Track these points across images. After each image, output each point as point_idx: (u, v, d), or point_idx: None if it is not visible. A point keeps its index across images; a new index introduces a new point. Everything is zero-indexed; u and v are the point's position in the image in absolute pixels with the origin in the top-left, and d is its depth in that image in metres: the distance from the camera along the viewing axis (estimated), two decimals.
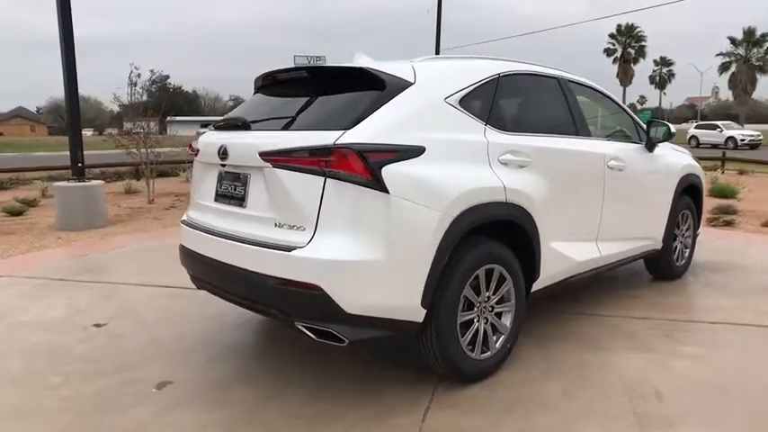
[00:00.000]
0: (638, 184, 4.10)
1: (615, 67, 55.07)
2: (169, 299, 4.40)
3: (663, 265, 4.64)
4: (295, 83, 3.10)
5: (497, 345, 3.01)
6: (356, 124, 2.53)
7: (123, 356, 3.33)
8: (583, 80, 3.95)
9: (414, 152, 2.59)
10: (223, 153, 2.86)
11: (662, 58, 60.50)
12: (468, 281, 2.79)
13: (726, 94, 54.20)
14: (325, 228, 2.47)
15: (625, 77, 54.60)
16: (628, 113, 4.28)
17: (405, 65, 2.88)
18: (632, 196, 4.05)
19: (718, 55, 49.60)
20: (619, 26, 54.25)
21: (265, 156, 2.62)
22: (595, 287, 4.48)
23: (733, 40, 48.04)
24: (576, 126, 3.61)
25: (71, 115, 7.82)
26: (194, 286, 3.38)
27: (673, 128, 4.16)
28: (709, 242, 5.96)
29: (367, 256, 2.46)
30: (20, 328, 3.79)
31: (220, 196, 2.98)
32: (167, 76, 12.38)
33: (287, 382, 2.97)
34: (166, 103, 9.58)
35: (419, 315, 2.61)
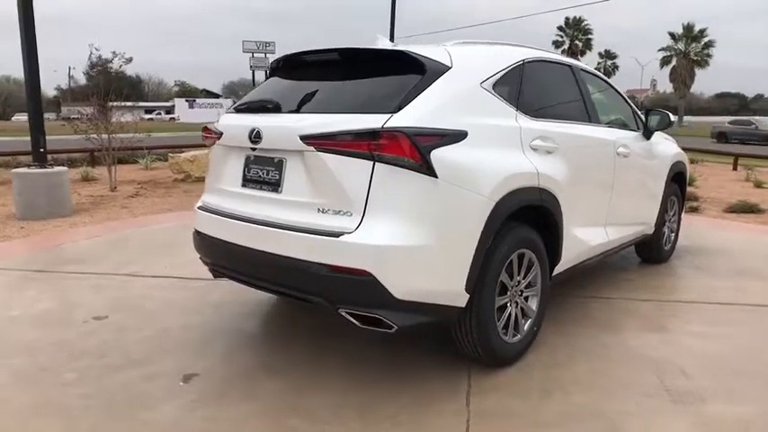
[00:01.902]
0: (639, 171, 4.23)
1: None
2: (166, 289, 4.22)
3: (654, 249, 4.82)
4: (325, 65, 3.00)
5: (525, 328, 3.06)
6: (402, 107, 2.48)
7: (135, 350, 3.17)
8: (589, 68, 4.03)
9: (458, 136, 2.57)
10: (255, 136, 2.74)
11: (606, 51, 62.48)
12: (504, 265, 2.81)
13: (663, 87, 56.65)
14: (374, 212, 2.42)
15: None
16: (626, 101, 4.40)
17: (439, 49, 2.84)
18: (634, 182, 4.18)
19: (660, 50, 51.82)
20: (567, 19, 55.73)
21: (308, 139, 2.53)
22: (591, 272, 4.60)
23: (673, 36, 50.29)
24: (588, 113, 3.68)
25: (32, 99, 7.33)
26: (206, 275, 3.25)
27: (672, 116, 4.31)
28: (682, 228, 6.23)
29: (416, 241, 2.43)
30: (12, 324, 3.55)
31: (249, 181, 2.87)
32: (131, 59, 11.50)
33: (318, 371, 2.91)
34: (111, 87, 9.03)
35: (463, 300, 2.61)
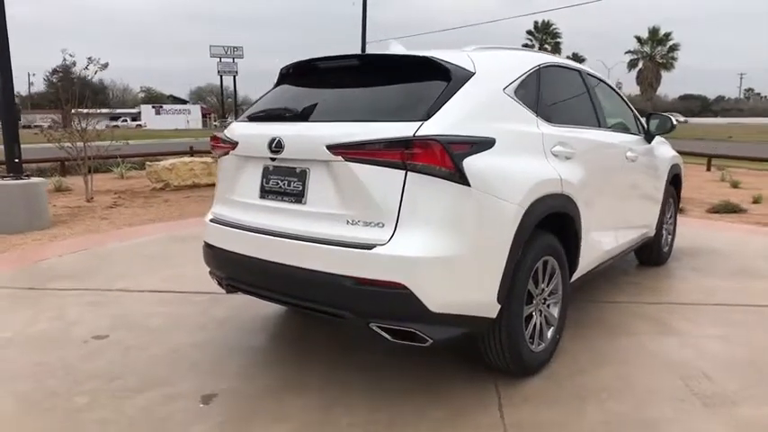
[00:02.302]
0: (644, 175, 4.27)
1: None
2: (166, 305, 4.06)
3: (654, 252, 4.87)
4: (343, 71, 2.92)
5: (549, 336, 3.03)
6: (432, 115, 2.42)
7: (145, 370, 3.03)
8: (594, 72, 4.05)
9: (487, 144, 2.53)
10: (276, 146, 2.65)
11: (574, 54, 63.77)
12: (531, 274, 2.77)
13: (629, 90, 58.04)
14: (407, 223, 2.35)
15: None
16: (628, 105, 4.44)
17: (461, 54, 2.79)
18: (640, 186, 4.22)
19: (627, 53, 53.19)
20: (536, 23, 56.76)
21: (336, 149, 2.45)
22: (594, 277, 4.61)
23: (639, 39, 51.71)
24: (598, 118, 3.69)
25: (5, 107, 7.04)
26: (207, 289, 3.12)
27: (674, 120, 4.37)
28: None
29: (450, 252, 2.37)
30: (10, 347, 3.35)
31: (268, 192, 2.77)
32: (106, 65, 11.02)
33: (339, 387, 2.82)
34: (75, 93, 8.70)
35: (495, 310, 2.56)
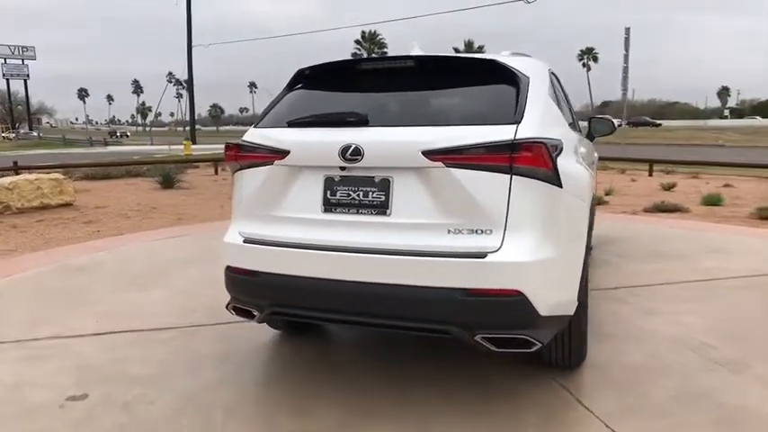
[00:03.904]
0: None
1: None
2: (132, 347, 3.42)
3: None
4: (400, 73, 2.72)
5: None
6: (521, 119, 2.40)
7: (178, 428, 2.52)
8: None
9: (561, 146, 2.58)
10: (352, 153, 2.39)
11: None
12: None
13: None
14: (514, 228, 2.30)
15: None
16: (570, 106, 4.84)
17: (511, 59, 2.80)
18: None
19: None
20: (363, 33, 58.92)
21: (434, 154, 2.30)
22: None
23: (457, 51, 56.52)
24: (573, 120, 3.98)
25: None
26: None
27: (616, 122, 4.86)
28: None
29: (553, 254, 2.38)
30: None
31: (336, 205, 2.49)
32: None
33: (397, 412, 2.64)
34: None
35: (573, 308, 2.62)
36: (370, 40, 59.15)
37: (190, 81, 39.94)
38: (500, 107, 2.47)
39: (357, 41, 59.43)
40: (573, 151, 2.90)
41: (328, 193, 2.51)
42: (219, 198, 10.52)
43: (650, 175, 14.52)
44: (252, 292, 2.66)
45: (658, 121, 66.97)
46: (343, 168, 2.46)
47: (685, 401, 2.69)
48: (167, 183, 11.83)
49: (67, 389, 2.89)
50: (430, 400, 2.73)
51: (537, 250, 2.32)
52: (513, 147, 2.29)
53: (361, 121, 2.50)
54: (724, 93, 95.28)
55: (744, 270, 4.84)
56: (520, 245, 2.29)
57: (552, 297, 2.41)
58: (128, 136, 76.58)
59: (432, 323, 2.38)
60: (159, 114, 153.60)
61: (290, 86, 2.95)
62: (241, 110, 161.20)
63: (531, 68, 2.84)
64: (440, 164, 2.31)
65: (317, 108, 2.70)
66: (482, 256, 2.27)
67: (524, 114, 2.43)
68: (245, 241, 2.65)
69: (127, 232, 7.33)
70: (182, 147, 31.78)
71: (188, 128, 42.92)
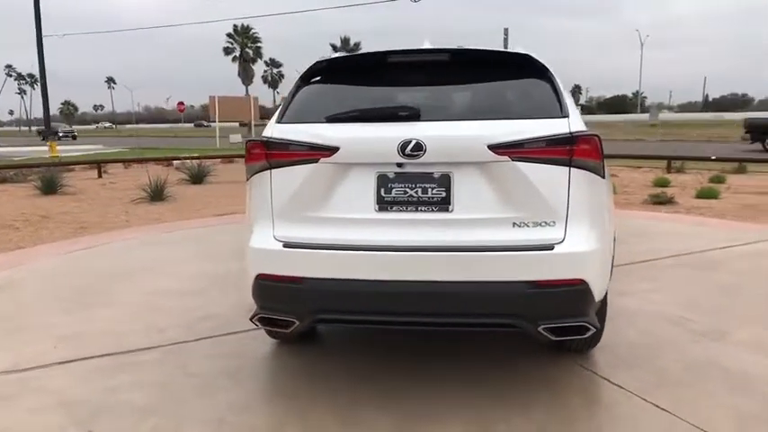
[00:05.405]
0: None
1: (236, 66, 57.48)
2: (120, 374, 3.03)
3: None
4: (433, 66, 2.64)
5: None
6: (566, 113, 2.46)
7: None
8: None
9: None
10: (413, 149, 2.29)
11: (272, 60, 66.20)
12: None
13: None
14: (574, 219, 2.37)
15: (246, 77, 57.56)
16: None
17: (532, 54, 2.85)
18: None
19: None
20: (235, 26, 56.66)
21: (500, 149, 2.29)
22: None
23: (334, 47, 56.54)
24: None
25: None
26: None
27: None
28: None
29: (602, 242, 2.47)
30: None
31: (392, 203, 2.37)
32: None
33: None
34: None
35: (604, 292, 2.75)
36: (243, 33, 57.10)
37: (42, 74, 35.62)
38: (544, 101, 2.51)
39: (229, 35, 57.07)
40: None
41: (382, 190, 2.39)
42: (118, 204, 9.54)
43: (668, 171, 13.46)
44: (293, 300, 2.45)
45: None
46: (400, 165, 2.35)
47: (697, 371, 2.94)
48: (50, 188, 10.48)
49: (66, 429, 2.46)
50: (481, 395, 2.71)
51: (593, 239, 2.39)
52: (571, 140, 2.34)
53: (413, 116, 2.40)
54: (576, 91, 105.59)
55: (674, 250, 5.39)
56: (580, 235, 2.36)
57: (602, 283, 2.51)
58: None
59: (497, 317, 2.37)
60: None
61: (306, 79, 2.76)
62: (95, 107, 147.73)
63: (548, 64, 2.92)
64: (506, 158, 2.30)
65: (352, 103, 2.55)
66: (550, 248, 2.30)
67: (569, 108, 2.50)
68: (285, 246, 2.43)
69: (26, 246, 6.40)
70: (45, 148, 28.38)
71: (33, 127, 38.35)
